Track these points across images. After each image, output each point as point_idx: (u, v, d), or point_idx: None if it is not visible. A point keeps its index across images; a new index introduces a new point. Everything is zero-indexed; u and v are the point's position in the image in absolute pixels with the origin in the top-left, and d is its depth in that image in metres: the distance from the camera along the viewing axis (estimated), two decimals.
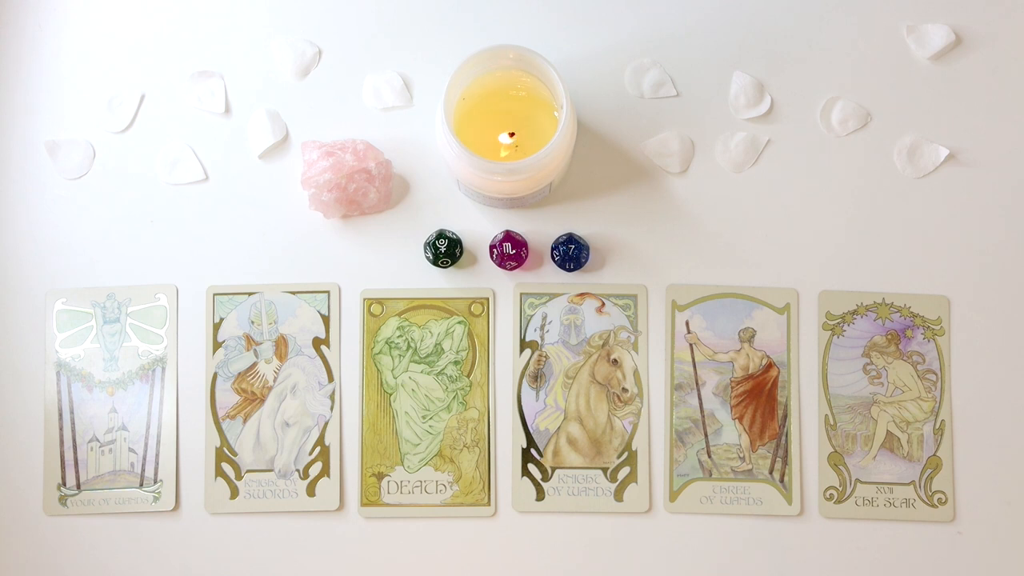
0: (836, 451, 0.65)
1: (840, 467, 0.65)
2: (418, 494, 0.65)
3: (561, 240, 0.65)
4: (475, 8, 0.67)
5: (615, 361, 0.66)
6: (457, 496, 0.65)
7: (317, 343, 0.66)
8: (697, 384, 0.65)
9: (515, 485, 0.65)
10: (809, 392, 0.65)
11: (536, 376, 0.66)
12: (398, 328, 0.66)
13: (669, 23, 0.67)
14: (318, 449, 0.65)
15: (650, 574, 0.64)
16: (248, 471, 0.65)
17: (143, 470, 0.65)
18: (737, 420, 0.65)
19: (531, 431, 0.65)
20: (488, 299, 0.66)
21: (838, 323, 0.65)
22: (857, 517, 0.64)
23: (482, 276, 0.66)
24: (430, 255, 0.64)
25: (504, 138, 0.62)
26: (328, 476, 0.65)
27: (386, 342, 0.66)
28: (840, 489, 0.65)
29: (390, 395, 0.66)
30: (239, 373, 0.66)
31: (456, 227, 0.66)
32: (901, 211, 0.66)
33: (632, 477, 0.65)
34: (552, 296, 0.66)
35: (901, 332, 0.65)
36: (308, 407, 0.65)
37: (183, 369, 0.66)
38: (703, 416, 0.65)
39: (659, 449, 0.65)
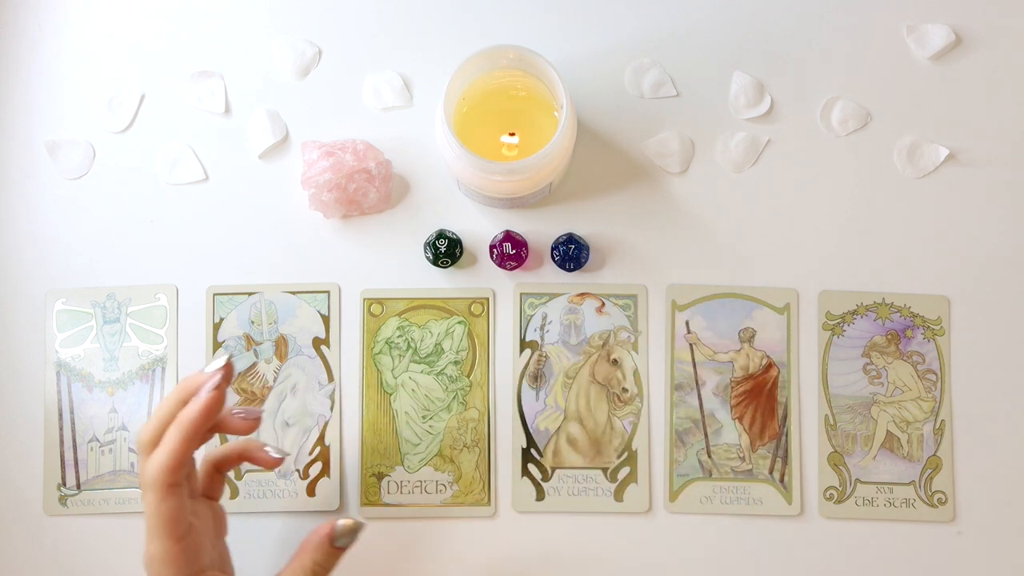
0: (836, 451, 0.65)
1: (840, 467, 0.65)
2: (418, 494, 0.65)
3: (561, 240, 0.65)
4: (475, 8, 0.67)
5: (615, 361, 0.66)
6: (457, 496, 0.65)
7: (317, 343, 0.66)
8: (697, 384, 0.65)
9: (515, 485, 0.65)
10: (809, 392, 0.65)
11: (536, 376, 0.66)
12: (398, 328, 0.66)
13: (669, 23, 0.67)
14: (318, 449, 0.65)
15: (650, 574, 0.64)
16: (248, 471, 0.65)
17: None
18: (737, 420, 0.65)
19: (531, 431, 0.65)
20: (488, 299, 0.66)
21: (838, 323, 0.65)
22: (857, 517, 0.64)
23: (482, 276, 0.66)
24: (430, 255, 0.64)
25: (507, 138, 0.62)
26: (328, 476, 0.65)
27: (386, 342, 0.66)
28: (840, 489, 0.65)
29: (390, 395, 0.66)
30: (239, 373, 0.66)
31: (456, 227, 0.66)
32: (901, 211, 0.66)
33: (632, 477, 0.65)
34: (552, 296, 0.66)
35: (901, 332, 0.65)
36: (308, 407, 0.66)
37: (183, 369, 0.66)
38: (703, 416, 0.65)
39: (659, 449, 0.65)
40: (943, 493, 0.64)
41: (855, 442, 0.65)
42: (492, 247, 0.65)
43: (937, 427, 0.65)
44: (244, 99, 0.68)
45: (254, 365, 0.66)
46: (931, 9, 0.67)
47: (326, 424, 0.65)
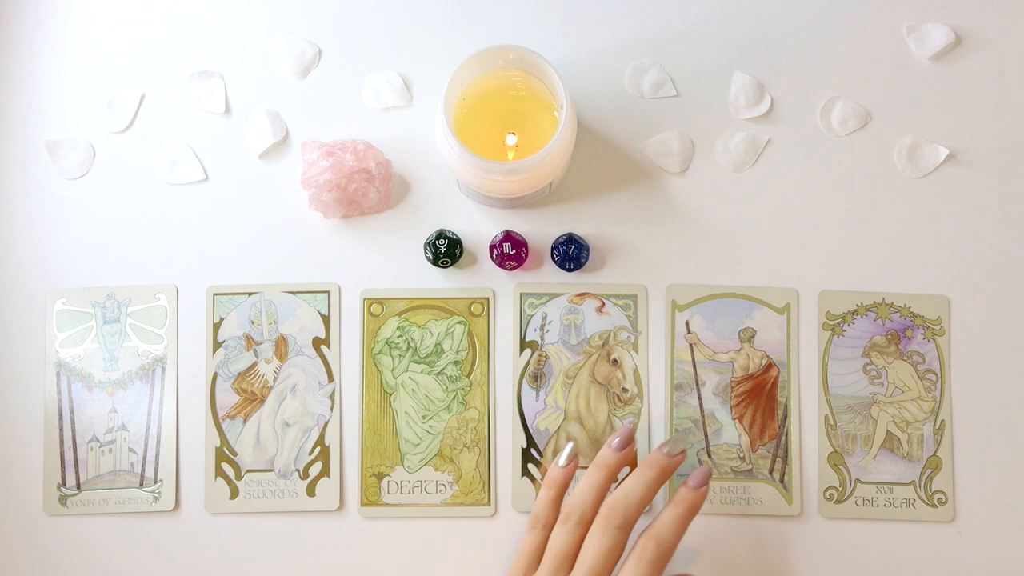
0: (836, 451, 0.65)
1: (840, 467, 0.65)
2: (418, 494, 0.65)
3: (561, 240, 0.65)
4: (475, 8, 0.67)
5: (615, 361, 0.66)
6: (457, 496, 0.65)
7: (317, 343, 0.66)
8: (697, 384, 0.65)
9: (515, 485, 0.65)
10: (809, 392, 0.65)
11: (536, 376, 0.66)
12: (398, 328, 0.66)
13: (669, 23, 0.67)
14: (318, 449, 0.65)
15: None
16: (248, 471, 0.65)
17: (143, 470, 0.65)
18: (737, 420, 0.65)
19: (531, 431, 0.65)
20: (488, 299, 0.66)
21: (838, 323, 0.65)
22: (857, 517, 0.64)
23: (482, 276, 0.66)
24: (430, 255, 0.64)
25: (511, 139, 0.62)
26: (328, 476, 0.65)
27: (386, 342, 0.66)
28: (840, 489, 0.65)
29: (390, 395, 0.66)
30: (239, 373, 0.66)
31: (456, 227, 0.66)
32: (901, 211, 0.66)
33: None
34: (552, 296, 0.66)
35: (901, 332, 0.65)
36: (308, 407, 0.65)
37: (183, 369, 0.66)
38: (703, 416, 0.65)
39: None
40: (943, 493, 0.64)
41: (855, 442, 0.65)
42: (492, 247, 0.65)
43: (937, 427, 0.65)
44: (244, 99, 0.68)
45: (254, 365, 0.66)
46: (931, 9, 0.67)
47: (326, 424, 0.65)
